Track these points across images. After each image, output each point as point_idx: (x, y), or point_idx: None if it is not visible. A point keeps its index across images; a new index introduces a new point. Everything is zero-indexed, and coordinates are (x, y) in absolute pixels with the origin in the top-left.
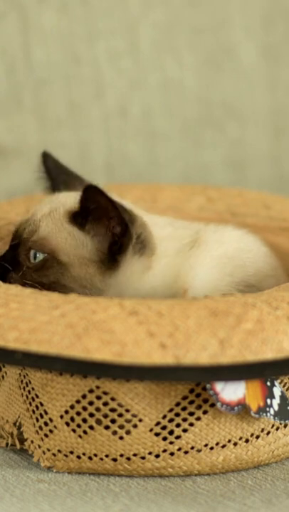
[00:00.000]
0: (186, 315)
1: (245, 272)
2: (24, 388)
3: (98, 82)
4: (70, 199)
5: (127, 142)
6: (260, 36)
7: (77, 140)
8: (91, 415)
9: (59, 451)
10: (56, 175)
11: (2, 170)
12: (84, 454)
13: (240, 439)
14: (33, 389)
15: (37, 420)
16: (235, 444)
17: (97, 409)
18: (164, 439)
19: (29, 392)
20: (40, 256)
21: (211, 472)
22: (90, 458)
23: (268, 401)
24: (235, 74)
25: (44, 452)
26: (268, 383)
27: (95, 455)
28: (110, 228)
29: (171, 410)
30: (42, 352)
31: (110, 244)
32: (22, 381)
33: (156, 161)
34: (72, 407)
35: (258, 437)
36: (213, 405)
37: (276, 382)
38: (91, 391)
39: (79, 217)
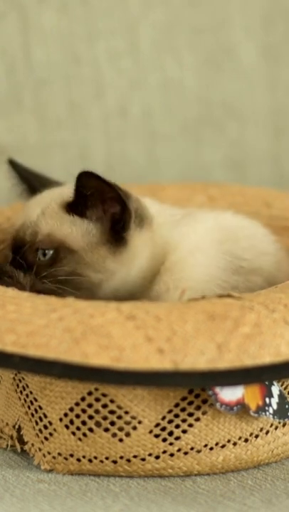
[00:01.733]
0: (184, 319)
1: (236, 243)
2: (21, 392)
3: (98, 82)
4: (57, 193)
5: (127, 142)
6: (260, 36)
7: (77, 140)
8: (90, 418)
9: (59, 454)
10: (28, 179)
11: (2, 170)
12: (84, 457)
13: (240, 438)
14: (31, 392)
15: (36, 423)
16: (234, 443)
17: (97, 412)
18: (164, 440)
19: (27, 395)
20: (49, 252)
21: (210, 472)
22: (90, 460)
23: (267, 400)
24: (235, 74)
25: (44, 455)
26: (266, 382)
27: (95, 457)
28: (109, 208)
29: (170, 411)
30: (39, 356)
31: (113, 224)
32: (18, 385)
33: (156, 161)
34: (71, 409)
35: (257, 437)
36: (212, 406)
37: (274, 381)
38: (90, 393)
39: (77, 206)
